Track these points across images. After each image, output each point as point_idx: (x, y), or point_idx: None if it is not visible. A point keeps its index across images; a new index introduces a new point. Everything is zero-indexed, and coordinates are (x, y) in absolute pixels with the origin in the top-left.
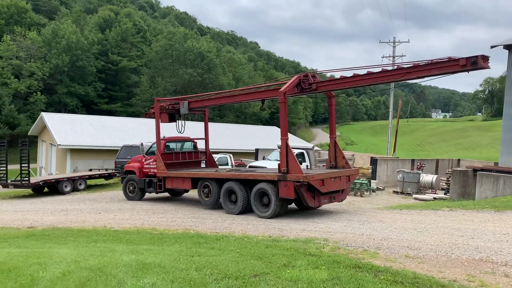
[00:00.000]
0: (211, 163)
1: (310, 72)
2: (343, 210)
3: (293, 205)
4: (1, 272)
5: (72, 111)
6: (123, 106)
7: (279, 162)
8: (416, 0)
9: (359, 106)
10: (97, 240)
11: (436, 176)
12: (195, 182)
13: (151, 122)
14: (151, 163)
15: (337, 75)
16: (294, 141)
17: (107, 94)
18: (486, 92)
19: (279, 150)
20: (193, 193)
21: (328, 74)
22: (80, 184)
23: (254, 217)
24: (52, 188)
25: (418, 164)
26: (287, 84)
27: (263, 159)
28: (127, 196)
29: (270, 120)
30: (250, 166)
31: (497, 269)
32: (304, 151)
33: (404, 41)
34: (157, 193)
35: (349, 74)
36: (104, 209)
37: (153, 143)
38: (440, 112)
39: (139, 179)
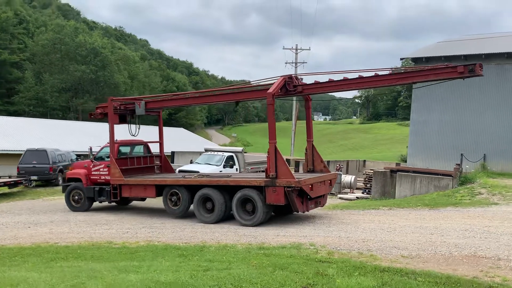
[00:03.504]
0: (166, 168)
1: (294, 75)
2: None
3: None
4: None
5: None
6: (3, 104)
7: (213, 165)
8: (300, 8)
9: (250, 108)
10: (54, 258)
11: (354, 176)
12: (160, 190)
13: (49, 123)
14: (101, 170)
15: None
16: (207, 144)
17: None
18: (363, 98)
19: (211, 153)
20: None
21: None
22: None
23: (213, 225)
24: None
25: (338, 165)
26: (274, 85)
27: (191, 162)
28: (72, 207)
29: (168, 121)
30: (180, 171)
31: (497, 263)
32: (233, 154)
33: (306, 49)
34: (110, 202)
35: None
36: (32, 222)
37: (102, 148)
38: (321, 115)
39: (87, 187)
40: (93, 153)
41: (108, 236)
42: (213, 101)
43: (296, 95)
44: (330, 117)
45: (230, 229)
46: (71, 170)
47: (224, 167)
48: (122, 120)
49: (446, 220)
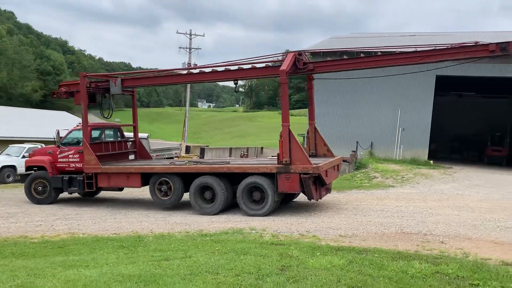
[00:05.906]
0: (142, 154)
1: (303, 51)
2: None
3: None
4: None
5: None
6: None
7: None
8: None
9: None
10: None
11: None
12: (146, 178)
13: None
14: (70, 156)
15: None
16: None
17: None
18: (247, 87)
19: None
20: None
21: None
22: None
23: (136, 213)
24: None
25: (242, 152)
26: (286, 62)
27: None
28: (33, 199)
29: (41, 104)
30: None
31: (426, 238)
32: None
33: (200, 35)
34: (82, 193)
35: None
36: None
37: (70, 131)
38: (205, 102)
39: (53, 176)
40: (60, 137)
41: (19, 230)
42: (208, 79)
43: (306, 73)
44: (214, 104)
45: (157, 218)
46: (31, 156)
47: None
48: (92, 100)
49: (360, 202)
